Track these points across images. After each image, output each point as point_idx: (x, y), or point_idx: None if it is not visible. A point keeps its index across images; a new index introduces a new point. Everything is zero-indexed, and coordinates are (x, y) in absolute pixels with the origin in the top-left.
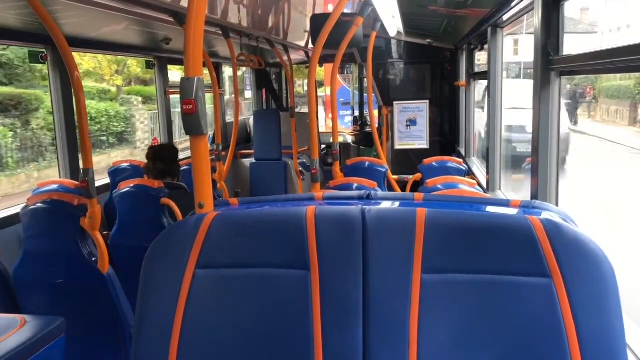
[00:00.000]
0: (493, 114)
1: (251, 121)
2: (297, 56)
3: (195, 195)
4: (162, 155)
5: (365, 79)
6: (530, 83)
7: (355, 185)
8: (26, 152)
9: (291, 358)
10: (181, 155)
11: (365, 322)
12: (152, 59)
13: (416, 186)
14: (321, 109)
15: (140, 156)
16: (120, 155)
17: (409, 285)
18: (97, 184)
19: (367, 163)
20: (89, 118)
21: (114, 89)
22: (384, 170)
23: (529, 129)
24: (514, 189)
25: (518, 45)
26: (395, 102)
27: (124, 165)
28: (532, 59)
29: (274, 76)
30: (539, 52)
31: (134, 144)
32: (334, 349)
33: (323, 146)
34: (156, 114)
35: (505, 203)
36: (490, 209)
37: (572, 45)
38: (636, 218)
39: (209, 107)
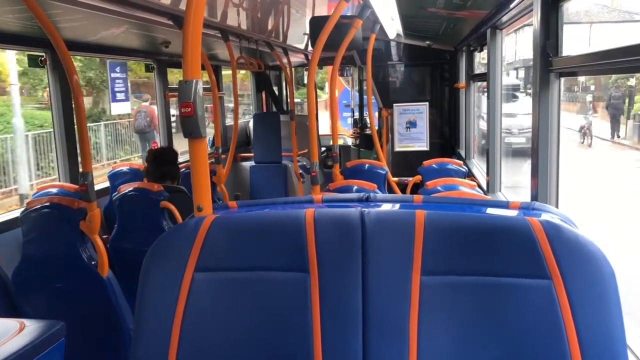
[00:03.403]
0: (492, 115)
1: (251, 124)
2: (296, 59)
3: (194, 198)
4: (161, 159)
5: (365, 82)
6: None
7: (355, 187)
8: None
9: None
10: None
11: (364, 324)
12: (151, 62)
13: (416, 188)
14: (322, 114)
15: None
16: None
17: (409, 287)
18: (97, 187)
19: (366, 165)
20: None
21: None
22: (383, 172)
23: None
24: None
25: None
26: (395, 104)
27: (124, 168)
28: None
29: (273, 79)
30: (538, 53)
31: None
32: (333, 351)
33: (323, 149)
34: None
35: (505, 205)
36: (489, 210)
37: (606, 37)
38: None
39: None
